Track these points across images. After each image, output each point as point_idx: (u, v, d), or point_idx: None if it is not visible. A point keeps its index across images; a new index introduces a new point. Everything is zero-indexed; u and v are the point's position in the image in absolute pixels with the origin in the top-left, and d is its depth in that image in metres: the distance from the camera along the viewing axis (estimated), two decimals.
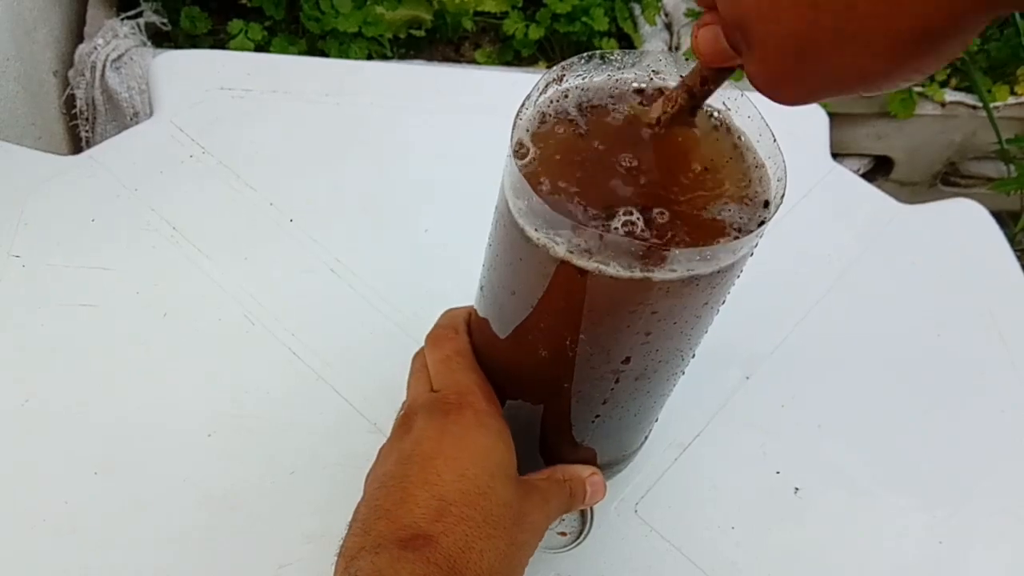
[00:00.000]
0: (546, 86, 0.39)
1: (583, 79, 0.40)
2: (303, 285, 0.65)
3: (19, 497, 0.53)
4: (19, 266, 0.63)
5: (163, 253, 0.65)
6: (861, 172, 1.44)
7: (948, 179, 1.53)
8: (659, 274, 0.34)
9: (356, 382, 0.60)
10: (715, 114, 0.40)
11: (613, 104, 0.39)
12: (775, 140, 0.38)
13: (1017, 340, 0.68)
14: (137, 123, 0.83)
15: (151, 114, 0.75)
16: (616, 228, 0.35)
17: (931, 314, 0.70)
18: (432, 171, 0.73)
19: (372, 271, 0.66)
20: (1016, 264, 0.74)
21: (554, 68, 0.39)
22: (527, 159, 0.37)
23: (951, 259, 0.74)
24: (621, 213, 0.35)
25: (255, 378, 0.59)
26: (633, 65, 0.40)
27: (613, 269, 0.34)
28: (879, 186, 0.78)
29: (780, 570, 0.55)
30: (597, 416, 0.44)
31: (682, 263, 0.34)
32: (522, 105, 0.38)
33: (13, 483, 0.53)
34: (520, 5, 1.25)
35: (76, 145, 1.16)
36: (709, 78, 0.35)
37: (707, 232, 0.36)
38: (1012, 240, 0.79)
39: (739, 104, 0.39)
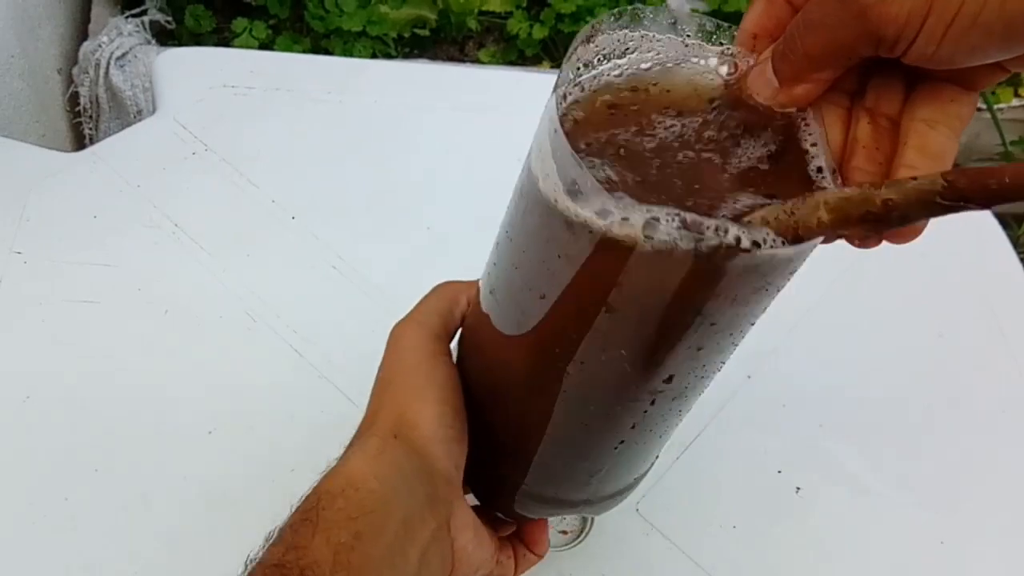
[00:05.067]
0: (575, 49, 0.34)
1: (634, 54, 0.35)
2: (305, 282, 0.65)
3: (19, 493, 0.53)
4: (21, 262, 0.63)
5: (165, 250, 0.65)
6: None
7: None
8: (734, 257, 0.29)
9: (357, 379, 0.60)
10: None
11: (671, 79, 0.35)
12: None
13: (1018, 341, 0.68)
14: (140, 121, 0.83)
15: (154, 111, 0.76)
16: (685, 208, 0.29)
17: (933, 315, 0.69)
18: (435, 169, 0.73)
19: (374, 268, 0.66)
20: (1018, 265, 0.73)
21: (584, 30, 0.34)
22: (577, 131, 0.33)
23: (953, 260, 0.74)
24: (694, 197, 0.31)
25: (256, 375, 0.59)
26: (673, 27, 0.35)
27: (684, 245, 0.29)
28: None
29: (781, 569, 0.55)
30: (622, 442, 0.39)
31: (766, 242, 0.29)
32: (560, 77, 0.33)
33: (13, 479, 0.54)
34: (524, 5, 1.25)
35: (79, 142, 1.16)
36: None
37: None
38: (1015, 242, 0.79)
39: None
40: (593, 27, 0.34)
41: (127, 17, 1.14)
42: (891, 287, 0.71)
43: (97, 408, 0.57)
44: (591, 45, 0.34)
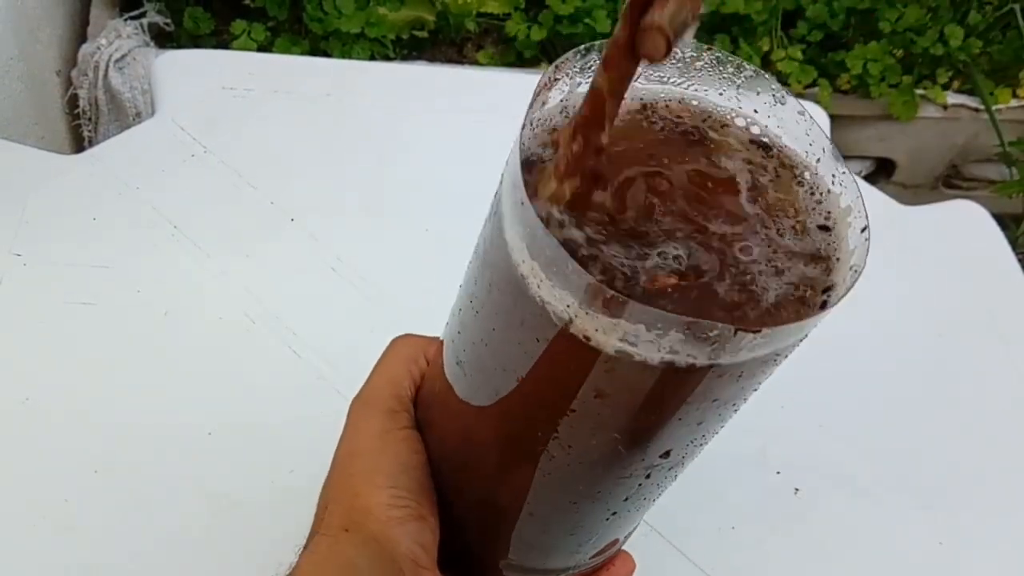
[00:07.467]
0: (537, 95, 0.30)
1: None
2: (304, 284, 0.65)
3: (19, 495, 0.53)
4: (20, 264, 0.63)
5: (164, 251, 0.65)
6: (863, 174, 1.43)
7: (950, 181, 1.53)
8: (734, 356, 0.27)
9: (356, 380, 0.59)
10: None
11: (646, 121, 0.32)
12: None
13: (1017, 341, 0.68)
14: (139, 123, 0.83)
15: (153, 114, 0.76)
16: (667, 294, 0.27)
17: (932, 315, 0.70)
18: (433, 171, 0.73)
19: (373, 270, 0.66)
20: (1017, 266, 0.74)
21: (547, 71, 0.30)
22: (553, 210, 0.28)
23: (952, 261, 0.74)
24: (671, 279, 0.28)
25: (255, 376, 0.59)
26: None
27: (679, 358, 0.26)
28: (881, 188, 0.78)
29: (780, 571, 0.55)
30: (614, 513, 0.37)
31: (769, 340, 0.27)
32: (523, 127, 0.30)
33: (13, 481, 0.54)
34: (523, 7, 1.25)
35: (79, 145, 1.16)
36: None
37: (780, 299, 0.28)
38: (1014, 243, 0.79)
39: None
40: (557, 68, 0.30)
41: (126, 19, 1.15)
42: (891, 287, 0.71)
43: (97, 409, 0.57)
44: (555, 91, 0.31)
